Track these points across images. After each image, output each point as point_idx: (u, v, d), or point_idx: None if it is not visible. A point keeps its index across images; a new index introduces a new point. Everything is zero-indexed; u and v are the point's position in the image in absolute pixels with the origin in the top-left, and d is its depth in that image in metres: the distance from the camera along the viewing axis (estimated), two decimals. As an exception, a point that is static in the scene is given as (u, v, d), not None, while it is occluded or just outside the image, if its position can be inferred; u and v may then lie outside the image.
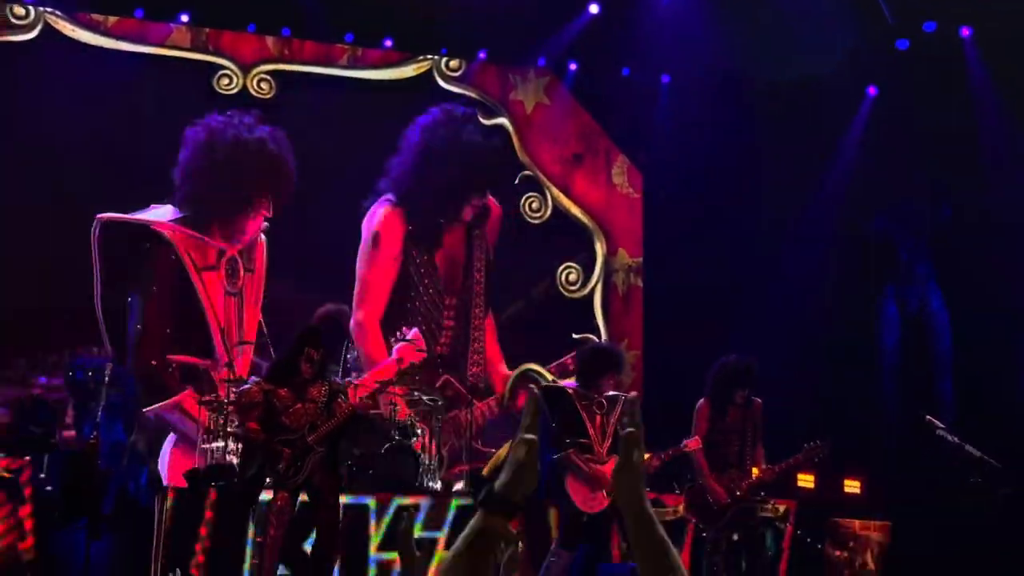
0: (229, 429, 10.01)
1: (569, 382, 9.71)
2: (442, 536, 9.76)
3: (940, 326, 13.50)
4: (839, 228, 13.63)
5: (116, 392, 9.22)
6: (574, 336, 13.85)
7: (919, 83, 13.11)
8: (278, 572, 8.91)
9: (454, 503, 10.18)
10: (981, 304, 12.91)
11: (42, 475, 9.01)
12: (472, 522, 2.34)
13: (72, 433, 9.62)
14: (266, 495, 8.98)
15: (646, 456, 8.95)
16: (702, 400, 9.57)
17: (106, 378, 8.97)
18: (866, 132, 13.75)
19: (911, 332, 13.64)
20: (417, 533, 9.79)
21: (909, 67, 13.08)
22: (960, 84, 13.08)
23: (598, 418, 9.17)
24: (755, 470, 9.53)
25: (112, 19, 12.77)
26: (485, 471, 11.92)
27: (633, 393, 2.25)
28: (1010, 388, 12.77)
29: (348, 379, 11.10)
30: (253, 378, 9.45)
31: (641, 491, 2.35)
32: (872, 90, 13.84)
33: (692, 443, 9.35)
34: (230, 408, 10.04)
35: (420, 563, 3.01)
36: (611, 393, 9.26)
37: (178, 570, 5.27)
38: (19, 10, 12.35)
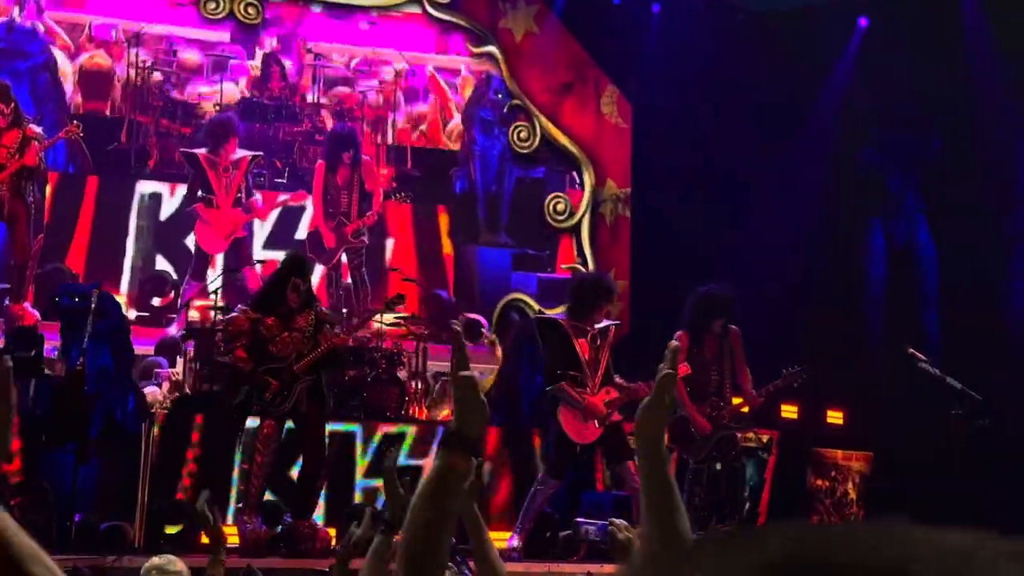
0: (216, 358, 10.04)
1: (559, 313, 9.69)
2: (427, 463, 9.82)
3: (927, 259, 13.55)
4: (828, 159, 13.63)
5: (102, 319, 9.21)
6: (562, 266, 13.89)
7: (910, 15, 13.05)
8: (264, 498, 8.99)
9: (439, 431, 10.23)
10: (968, 237, 12.95)
11: (29, 399, 9.04)
12: (434, 464, 2.40)
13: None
14: (253, 422, 9.04)
15: (633, 384, 9.03)
16: (680, 332, 9.52)
17: (92, 304, 8.96)
18: (857, 63, 13.72)
19: (898, 264, 13.69)
20: (402, 461, 9.88)
21: (901, -1, 13.04)
22: (951, 16, 13.03)
23: (589, 350, 9.20)
24: (735, 399, 9.56)
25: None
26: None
27: (674, 342, 2.28)
28: (994, 322, 12.85)
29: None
30: (240, 306, 9.46)
31: (662, 431, 2.42)
32: (863, 21, 13.78)
33: (681, 369, 9.31)
34: (217, 336, 10.07)
35: (404, 498, 3.08)
36: (602, 324, 9.28)
37: (206, 491, 5.25)
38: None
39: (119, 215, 11.70)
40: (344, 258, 11.87)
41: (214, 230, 11.37)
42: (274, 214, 12.29)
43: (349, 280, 11.93)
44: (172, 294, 11.68)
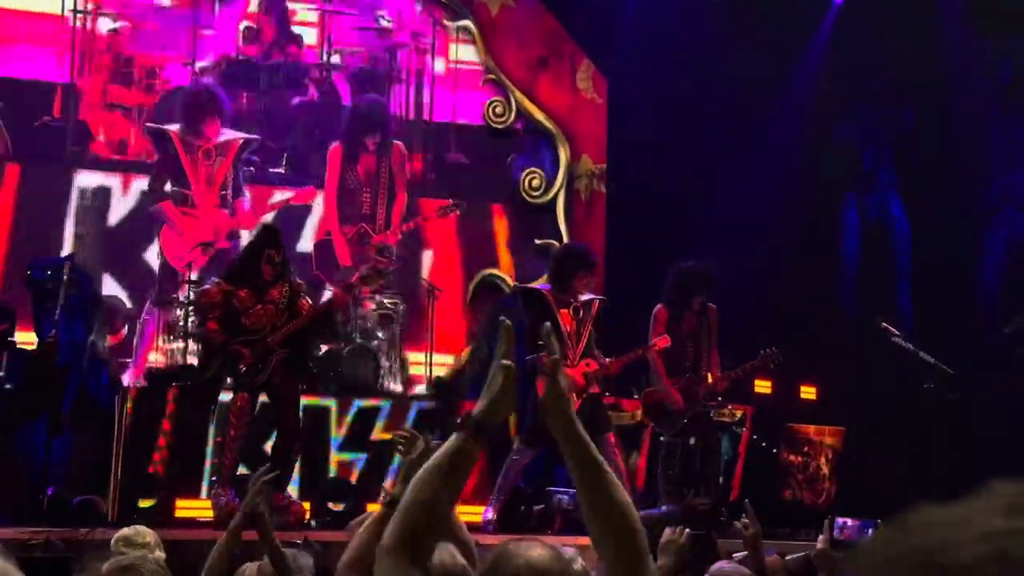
0: (189, 329, 9.98)
1: (543, 284, 9.66)
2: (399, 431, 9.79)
3: (900, 234, 13.60)
4: (802, 134, 13.64)
5: (75, 291, 9.12)
6: (536, 241, 13.87)
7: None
8: (238, 472, 8.96)
9: (414, 406, 10.23)
10: (941, 212, 13.02)
11: (1, 373, 8.98)
12: (448, 444, 2.40)
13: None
14: (226, 395, 9.00)
15: (608, 360, 9.03)
16: (659, 306, 9.57)
17: (64, 276, 8.85)
18: (831, 39, 13.72)
19: (871, 239, 13.74)
20: (377, 436, 9.87)
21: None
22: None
23: (571, 321, 9.21)
24: (710, 376, 9.59)
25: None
26: (444, 375, 11.98)
27: (547, 324, 2.31)
28: (966, 297, 12.92)
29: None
30: (212, 278, 9.36)
31: (570, 414, 2.40)
32: (838, -4, 13.80)
33: (661, 341, 9.32)
34: (190, 308, 10.01)
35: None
36: (586, 297, 9.29)
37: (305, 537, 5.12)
38: None
39: (50, 216, 9.27)
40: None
41: (187, 238, 8.88)
42: (268, 218, 9.33)
43: (372, 307, 9.76)
44: (125, 329, 9.58)
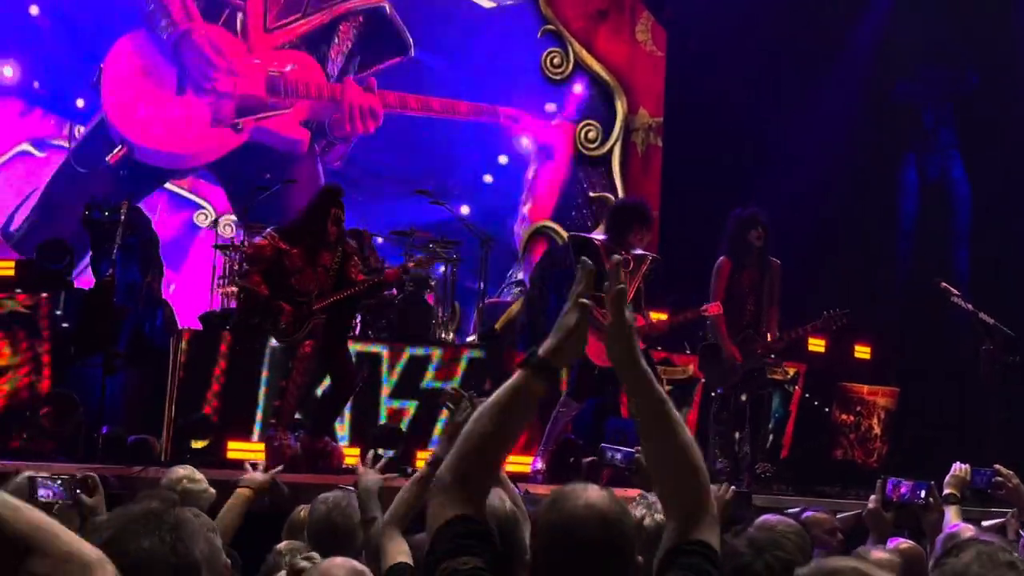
0: (238, 278, 9.97)
1: (599, 235, 9.57)
2: (452, 387, 9.81)
3: (959, 195, 13.43)
4: (863, 92, 13.48)
5: (132, 233, 9.20)
6: (591, 194, 13.82)
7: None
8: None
9: (465, 355, 10.23)
10: (1002, 174, 12.84)
11: (59, 311, 9.08)
12: (511, 380, 2.37)
13: None
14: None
15: (664, 316, 8.98)
16: (722, 258, 9.39)
17: (122, 218, 8.92)
18: (896, -3, 13.55)
19: (930, 199, 13.58)
20: (427, 384, 9.90)
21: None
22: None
23: (622, 274, 9.12)
24: (769, 334, 9.48)
25: None
26: (498, 325, 12.01)
27: (616, 257, 2.30)
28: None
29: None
30: (269, 230, 9.16)
31: (635, 349, 2.38)
32: (903, -47, 13.59)
33: (712, 308, 9.22)
34: (242, 258, 10.02)
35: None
36: (639, 252, 9.22)
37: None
38: None
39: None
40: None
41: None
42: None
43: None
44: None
